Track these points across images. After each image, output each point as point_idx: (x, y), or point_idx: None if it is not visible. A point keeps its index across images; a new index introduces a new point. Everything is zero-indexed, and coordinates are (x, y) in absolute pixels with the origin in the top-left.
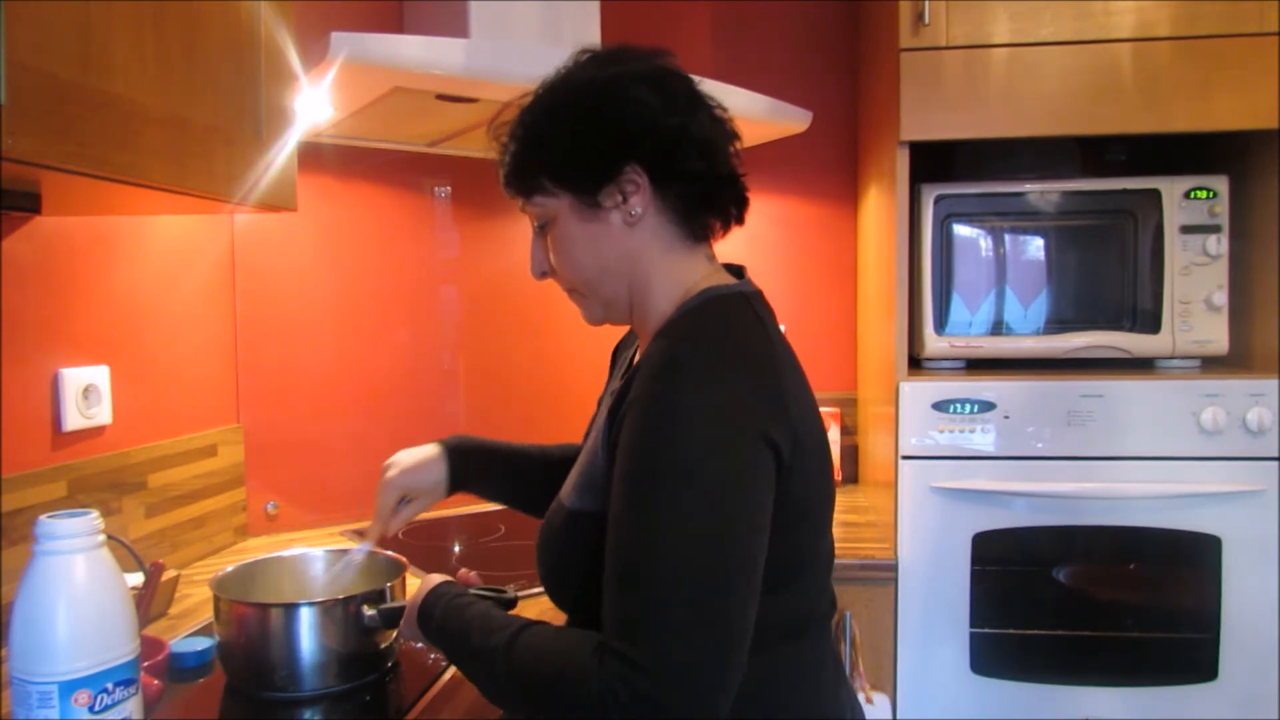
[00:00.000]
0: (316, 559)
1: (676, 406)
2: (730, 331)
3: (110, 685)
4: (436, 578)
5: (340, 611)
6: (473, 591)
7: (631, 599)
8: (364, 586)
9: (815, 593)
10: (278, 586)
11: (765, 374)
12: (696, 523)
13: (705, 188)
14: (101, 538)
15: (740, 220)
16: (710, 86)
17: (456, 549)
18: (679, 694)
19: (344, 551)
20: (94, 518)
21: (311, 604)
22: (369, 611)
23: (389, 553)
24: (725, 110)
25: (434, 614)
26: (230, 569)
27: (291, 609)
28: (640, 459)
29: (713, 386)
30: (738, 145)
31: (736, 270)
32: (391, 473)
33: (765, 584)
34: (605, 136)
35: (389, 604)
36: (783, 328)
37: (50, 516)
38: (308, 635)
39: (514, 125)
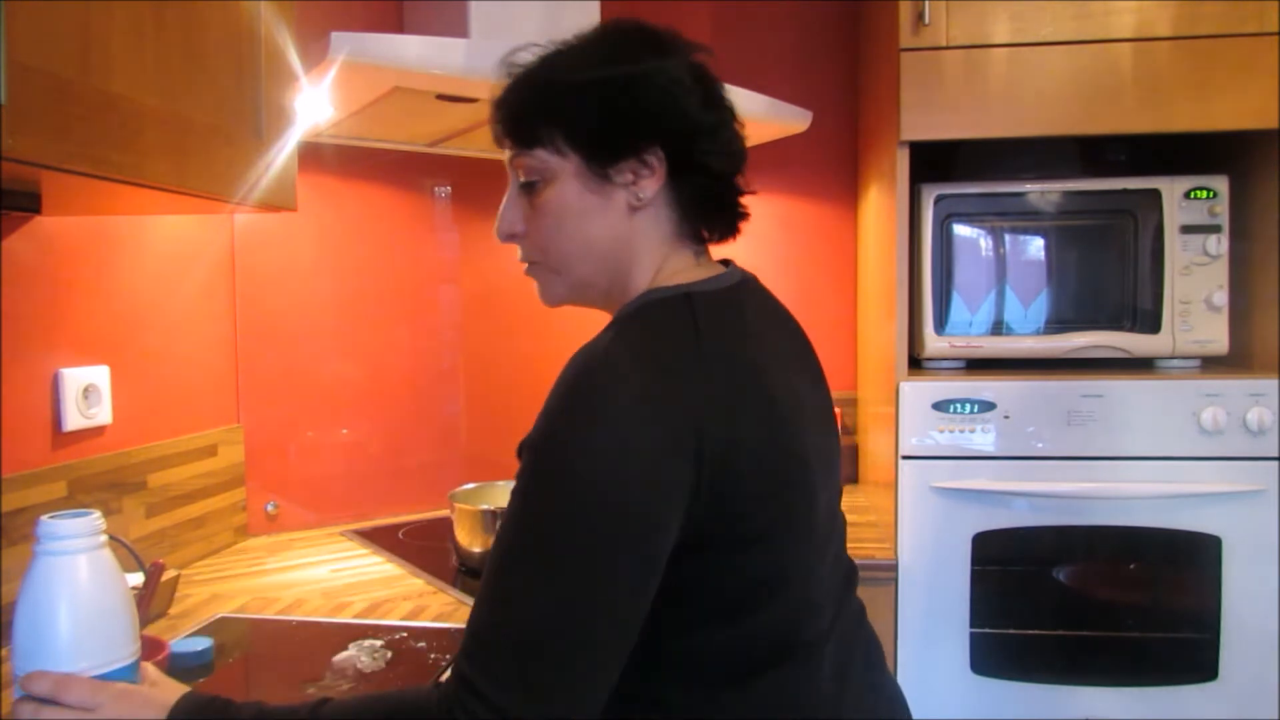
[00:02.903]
0: None
1: (575, 433)
2: (656, 338)
3: None
4: (168, 696)
5: None
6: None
7: (487, 620)
8: None
9: (796, 618)
10: None
11: (685, 381)
12: (575, 544)
13: (718, 189)
14: (103, 538)
15: (733, 234)
16: None
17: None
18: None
19: None
20: (96, 518)
21: None
22: None
23: None
24: (742, 127)
25: None
26: None
27: None
28: (535, 485)
29: (622, 404)
30: (736, 127)
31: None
32: None
33: (716, 613)
34: (637, 109)
35: None
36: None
37: (52, 517)
38: None
39: (534, 70)
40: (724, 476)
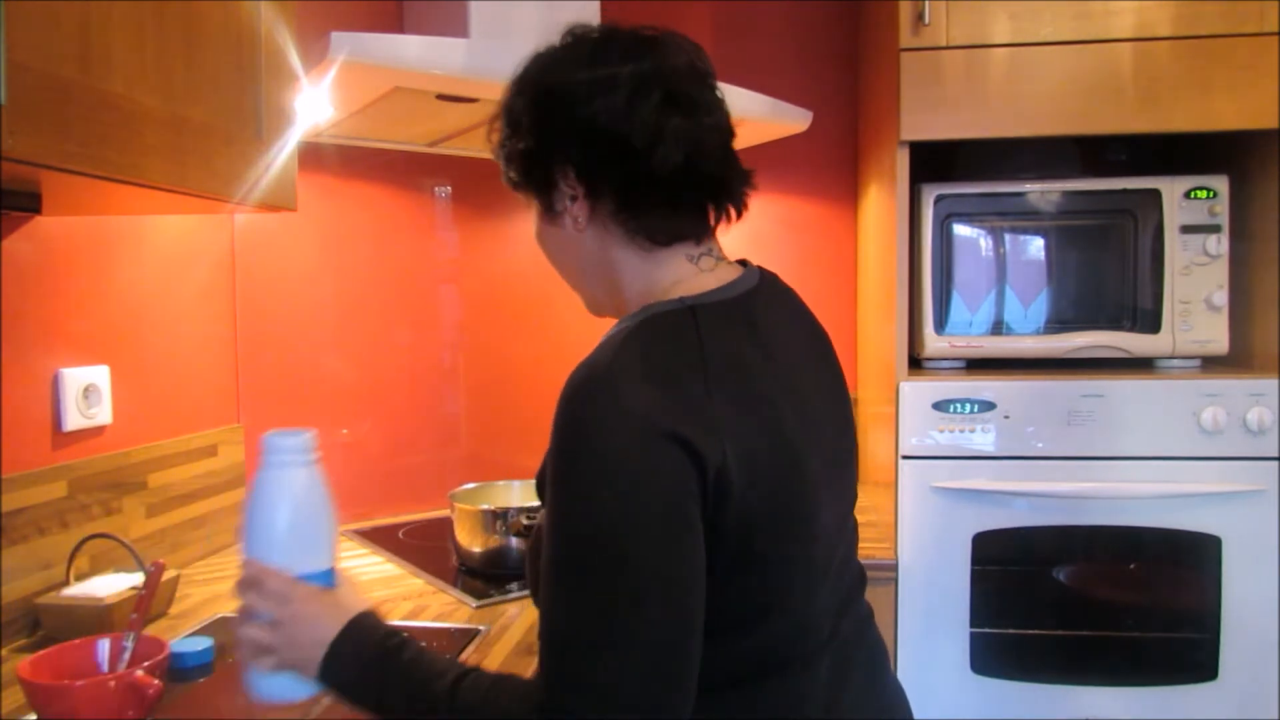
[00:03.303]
0: None
1: (588, 451)
2: (652, 352)
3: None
4: (347, 609)
5: None
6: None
7: (547, 644)
8: None
9: (792, 633)
10: None
11: (682, 394)
12: (596, 552)
13: (649, 191)
14: (317, 455)
15: (730, 213)
16: None
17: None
18: None
19: None
20: (312, 437)
21: None
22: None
23: None
24: (702, 90)
25: (347, 657)
26: None
27: None
28: (551, 484)
29: (621, 421)
30: (711, 127)
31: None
32: None
33: (716, 628)
34: (537, 140)
35: None
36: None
37: (276, 433)
38: None
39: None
40: (722, 493)
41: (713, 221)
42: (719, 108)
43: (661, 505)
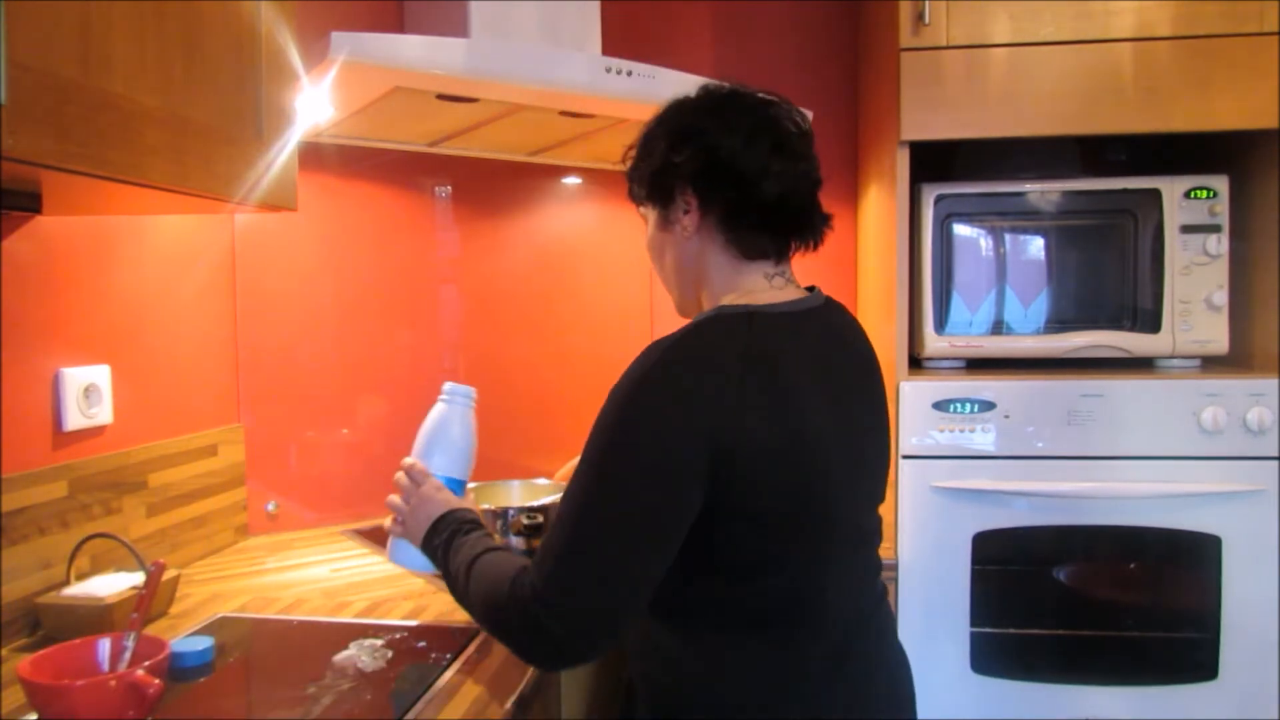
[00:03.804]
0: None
1: (625, 402)
2: (702, 343)
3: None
4: (453, 504)
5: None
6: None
7: (549, 536)
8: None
9: (791, 595)
10: None
11: (715, 381)
12: (606, 485)
13: (764, 216)
14: (474, 404)
15: (811, 244)
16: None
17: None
18: (557, 613)
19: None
20: (473, 392)
21: None
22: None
23: None
24: (802, 145)
25: (440, 532)
26: None
27: None
28: (591, 440)
29: (657, 388)
30: (804, 173)
31: (811, 289)
32: None
33: (715, 571)
34: (667, 165)
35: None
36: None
37: (451, 383)
38: None
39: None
40: (733, 464)
41: (791, 249)
42: (813, 160)
43: (665, 475)
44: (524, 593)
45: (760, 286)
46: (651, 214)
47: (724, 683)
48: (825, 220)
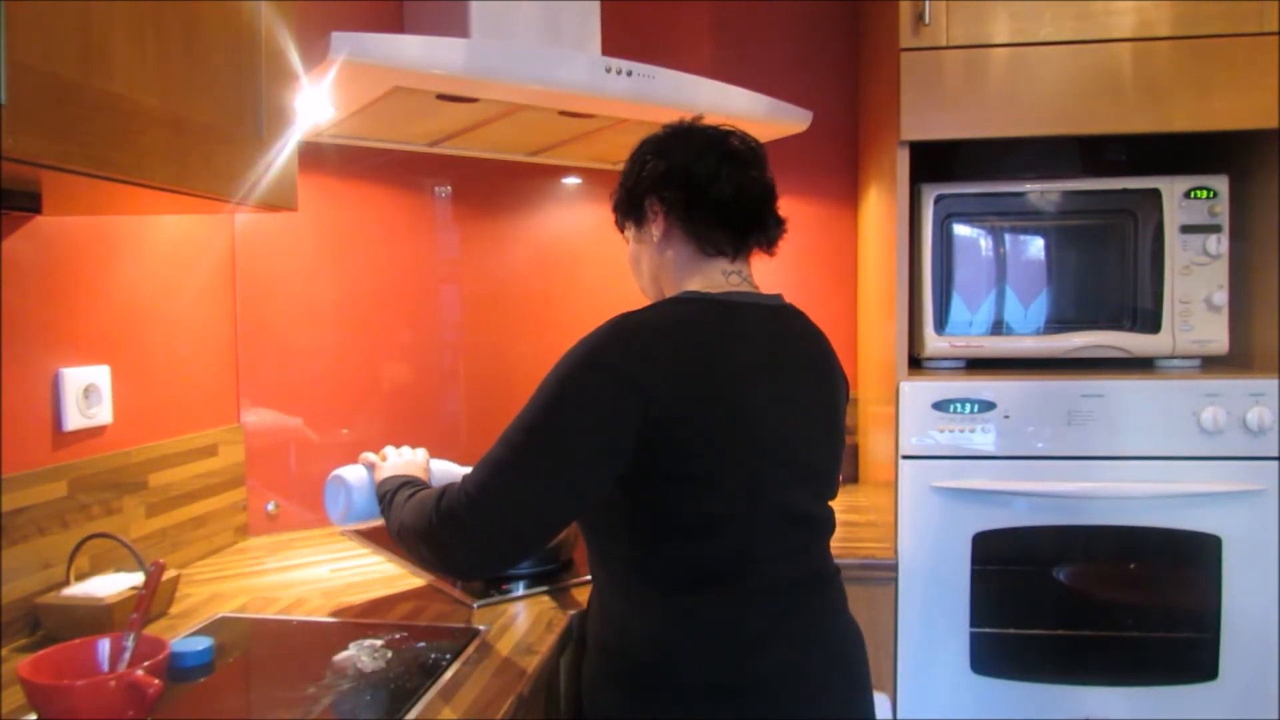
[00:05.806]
0: None
1: (583, 355)
2: (656, 316)
3: None
4: (408, 472)
5: None
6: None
7: (471, 474)
8: None
9: (731, 557)
10: None
11: (663, 349)
12: (529, 428)
13: (704, 210)
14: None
15: (765, 245)
16: (710, 86)
17: None
18: (452, 531)
19: None
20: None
21: None
22: None
23: None
24: (751, 157)
25: (408, 485)
26: None
27: None
28: (547, 377)
29: (611, 346)
30: (754, 179)
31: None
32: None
33: (658, 534)
34: (637, 181)
35: None
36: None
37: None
38: None
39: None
40: (667, 418)
41: (748, 249)
42: (763, 168)
43: (591, 430)
44: (452, 496)
45: (717, 280)
46: (630, 231)
47: (667, 643)
48: (779, 224)
